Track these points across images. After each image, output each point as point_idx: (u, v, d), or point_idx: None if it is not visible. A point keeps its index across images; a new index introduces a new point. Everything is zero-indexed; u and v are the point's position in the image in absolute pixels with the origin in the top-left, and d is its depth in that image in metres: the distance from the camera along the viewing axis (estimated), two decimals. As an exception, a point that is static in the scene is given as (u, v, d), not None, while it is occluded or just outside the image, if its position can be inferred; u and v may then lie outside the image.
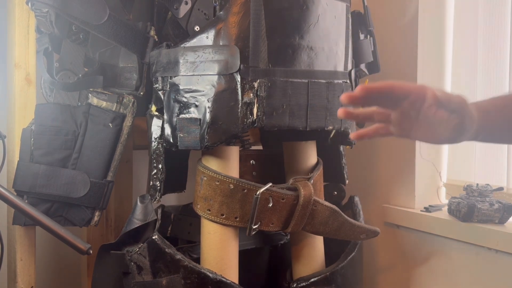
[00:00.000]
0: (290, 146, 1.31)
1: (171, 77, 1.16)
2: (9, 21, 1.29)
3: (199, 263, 1.17)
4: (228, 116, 1.12)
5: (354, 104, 0.78)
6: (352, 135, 0.83)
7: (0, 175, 1.24)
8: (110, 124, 1.22)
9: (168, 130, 1.17)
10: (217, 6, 1.19)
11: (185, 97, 1.14)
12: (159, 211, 1.38)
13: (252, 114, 1.12)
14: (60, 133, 1.21)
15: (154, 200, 1.19)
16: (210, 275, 1.12)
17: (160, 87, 1.18)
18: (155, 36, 1.21)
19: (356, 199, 1.43)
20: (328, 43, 1.21)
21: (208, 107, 1.12)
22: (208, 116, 1.12)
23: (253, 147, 1.42)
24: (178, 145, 1.15)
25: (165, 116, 1.18)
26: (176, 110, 1.15)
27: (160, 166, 1.19)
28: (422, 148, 1.56)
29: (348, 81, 1.27)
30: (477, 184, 1.39)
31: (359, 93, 0.75)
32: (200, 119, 1.13)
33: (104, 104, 1.23)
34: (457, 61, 1.56)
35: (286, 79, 1.15)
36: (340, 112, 0.78)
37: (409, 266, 1.58)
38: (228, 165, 1.18)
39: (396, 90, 0.77)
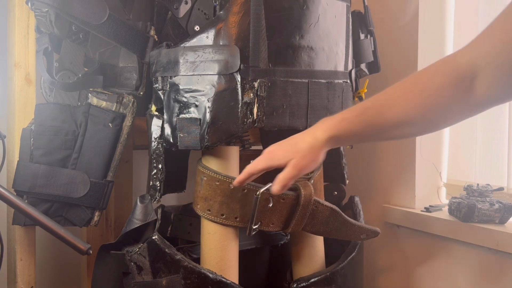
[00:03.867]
0: (290, 146, 1.30)
1: (171, 77, 1.16)
2: (9, 21, 1.29)
3: (199, 263, 1.17)
4: (228, 116, 1.12)
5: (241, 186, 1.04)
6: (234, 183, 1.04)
7: (0, 175, 1.24)
8: (110, 124, 1.21)
9: (168, 130, 1.17)
10: (217, 5, 1.19)
11: (185, 97, 1.14)
12: (159, 211, 1.38)
13: (252, 114, 1.12)
14: (60, 133, 1.21)
15: (154, 200, 1.19)
16: (210, 275, 1.12)
17: (160, 87, 1.18)
18: (155, 36, 1.21)
19: (356, 199, 1.42)
20: (328, 43, 1.21)
21: (208, 107, 1.12)
22: (208, 116, 1.12)
23: (253, 147, 1.42)
24: (178, 145, 1.15)
25: (165, 116, 1.17)
26: (176, 110, 1.15)
27: (160, 166, 1.19)
28: (422, 148, 1.56)
29: (348, 81, 1.27)
30: (478, 184, 1.39)
31: (239, 184, 1.02)
32: (200, 119, 1.13)
33: (104, 104, 1.23)
34: (457, 61, 1.56)
35: (286, 79, 1.15)
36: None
37: (409, 266, 1.58)
38: (228, 165, 1.18)
39: (254, 172, 1.00)
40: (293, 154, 0.97)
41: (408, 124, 0.91)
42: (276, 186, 0.96)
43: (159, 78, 1.18)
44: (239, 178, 1.01)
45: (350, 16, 1.28)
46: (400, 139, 1.00)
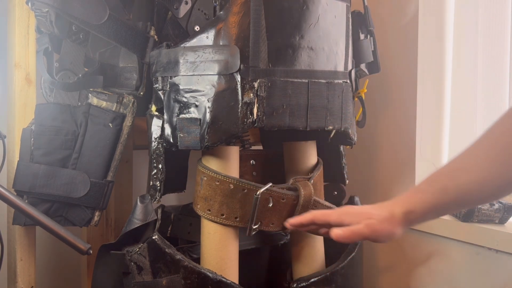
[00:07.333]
0: (290, 146, 1.31)
1: (171, 77, 1.16)
2: (9, 21, 1.29)
3: (199, 263, 1.17)
4: (228, 116, 1.12)
5: (295, 229, 1.02)
6: (287, 224, 1.04)
7: (0, 175, 1.24)
8: (110, 124, 1.22)
9: (168, 130, 1.17)
10: (217, 6, 1.19)
11: (185, 97, 1.14)
12: (159, 211, 1.38)
13: (252, 114, 1.12)
14: (60, 133, 1.21)
15: (154, 200, 1.19)
16: (210, 275, 1.12)
17: (160, 87, 1.18)
18: (155, 36, 1.21)
19: (356, 199, 1.42)
20: (328, 43, 1.21)
21: (208, 107, 1.12)
22: (208, 116, 1.12)
23: (253, 147, 1.42)
24: (178, 145, 1.15)
25: (165, 116, 1.18)
26: (176, 110, 1.15)
27: (160, 166, 1.19)
28: (422, 148, 1.56)
29: (348, 81, 1.27)
30: (477, 184, 1.38)
31: (291, 226, 1.01)
32: (200, 119, 1.13)
33: (104, 104, 1.23)
34: (457, 61, 1.56)
35: (286, 79, 1.15)
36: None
37: (409, 266, 1.58)
38: (228, 165, 1.18)
39: (317, 220, 0.97)
40: (370, 216, 0.91)
41: (488, 184, 0.81)
42: (340, 231, 0.89)
43: (159, 78, 1.18)
44: (298, 219, 0.95)
45: (350, 16, 1.29)
46: (480, 204, 0.89)
